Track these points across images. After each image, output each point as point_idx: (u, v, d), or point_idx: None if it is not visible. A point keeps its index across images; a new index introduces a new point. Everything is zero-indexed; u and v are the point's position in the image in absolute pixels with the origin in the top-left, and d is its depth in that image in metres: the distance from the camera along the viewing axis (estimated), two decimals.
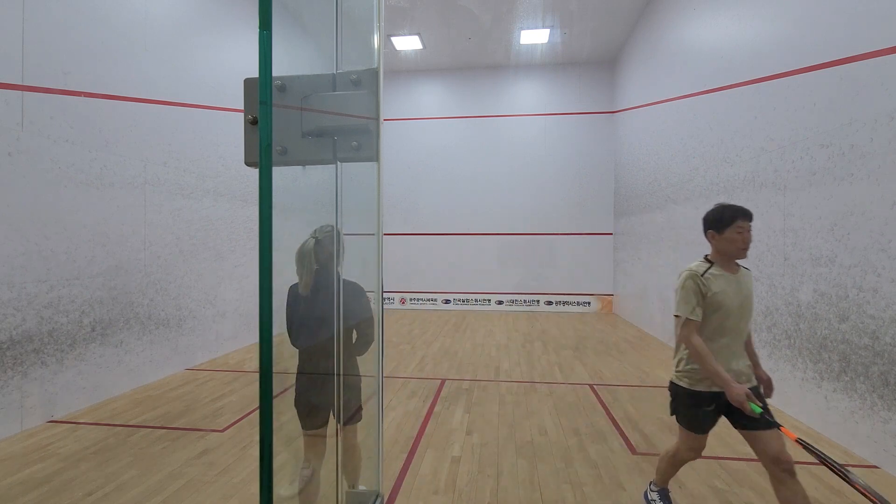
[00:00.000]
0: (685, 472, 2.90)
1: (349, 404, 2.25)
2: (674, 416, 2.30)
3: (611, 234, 10.12)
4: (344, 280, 2.10)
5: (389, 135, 10.63)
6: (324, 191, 1.13)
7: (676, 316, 2.14)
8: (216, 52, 5.83)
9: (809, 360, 3.65)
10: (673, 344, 2.65)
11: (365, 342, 2.28)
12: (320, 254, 2.04)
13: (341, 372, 1.24)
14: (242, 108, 0.85)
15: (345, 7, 1.05)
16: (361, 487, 2.38)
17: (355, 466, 2.35)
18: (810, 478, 2.84)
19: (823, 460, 1.71)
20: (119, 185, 4.35)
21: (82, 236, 3.98)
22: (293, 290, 2.12)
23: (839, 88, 3.39)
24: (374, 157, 0.97)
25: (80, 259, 3.94)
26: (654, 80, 7.51)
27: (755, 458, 3.09)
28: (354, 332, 2.23)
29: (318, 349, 2.06)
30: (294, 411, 3.08)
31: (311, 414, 2.25)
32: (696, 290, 2.10)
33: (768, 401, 2.21)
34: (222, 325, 5.97)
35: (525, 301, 10.25)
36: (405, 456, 3.12)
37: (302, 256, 2.02)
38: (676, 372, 2.25)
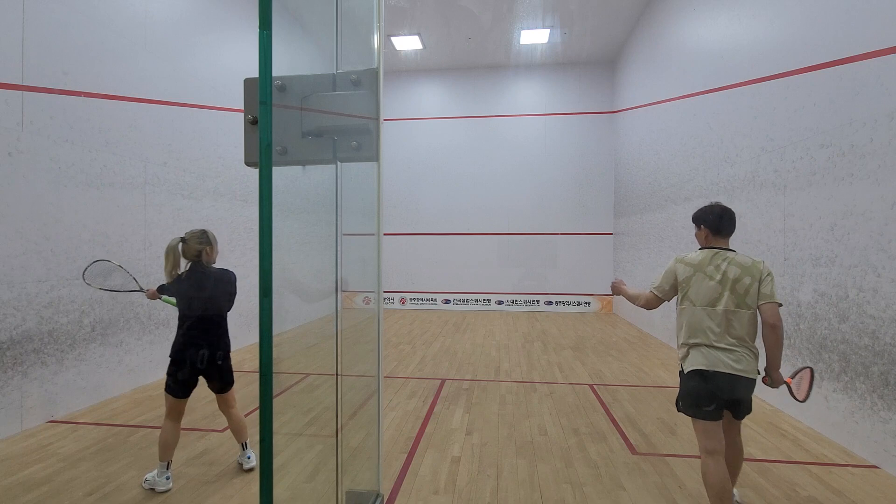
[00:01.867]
0: (685, 472, 2.90)
1: (218, 368, 2.82)
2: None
3: (611, 234, 10.12)
4: (220, 269, 2.79)
5: (389, 135, 10.62)
6: (324, 191, 1.14)
7: (779, 304, 2.22)
8: (216, 52, 5.83)
9: (809, 360, 3.65)
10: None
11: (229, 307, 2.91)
12: (187, 252, 2.66)
13: (339, 372, 1.24)
14: (242, 108, 0.85)
15: (345, 7, 1.05)
16: (248, 455, 2.93)
17: (240, 427, 2.93)
18: (809, 477, 2.84)
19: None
20: (119, 185, 4.35)
21: (82, 236, 3.97)
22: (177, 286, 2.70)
23: (839, 88, 3.39)
24: (374, 157, 0.97)
25: (80, 259, 3.94)
26: (654, 80, 7.51)
27: (755, 458, 3.10)
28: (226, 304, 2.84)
29: (197, 324, 2.70)
30: (294, 410, 3.20)
31: (187, 383, 2.73)
32: None
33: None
34: None
35: (525, 301, 10.25)
36: (405, 456, 3.12)
37: (167, 252, 2.64)
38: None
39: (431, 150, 10.63)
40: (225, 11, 6.01)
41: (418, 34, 8.99)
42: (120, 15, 4.39)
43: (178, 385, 2.68)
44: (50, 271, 3.69)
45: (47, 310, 3.68)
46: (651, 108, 7.62)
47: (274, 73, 0.68)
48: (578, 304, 10.12)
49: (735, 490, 2.47)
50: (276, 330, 0.68)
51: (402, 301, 10.58)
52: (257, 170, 0.69)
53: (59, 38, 3.77)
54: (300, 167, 0.91)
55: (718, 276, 2.22)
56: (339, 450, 1.22)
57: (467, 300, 10.42)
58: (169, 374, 2.70)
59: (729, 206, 2.33)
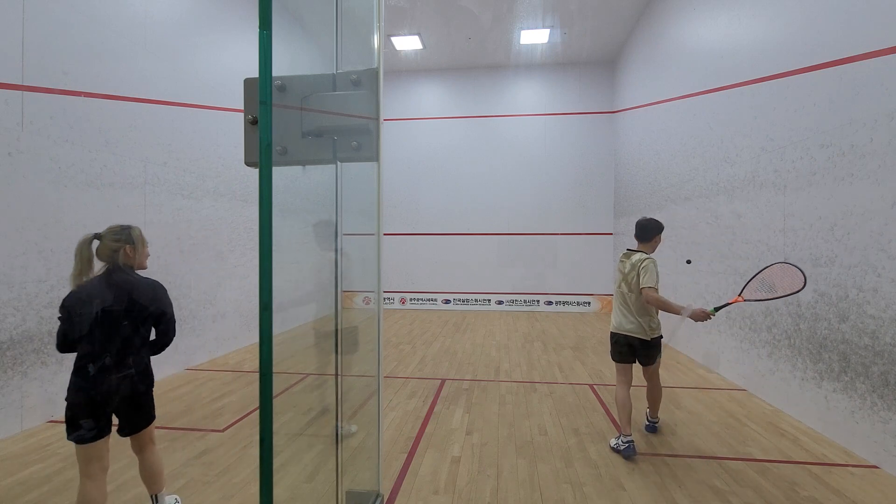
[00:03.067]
0: (685, 471, 2.90)
1: (136, 406, 2.30)
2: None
3: (611, 234, 10.12)
4: (146, 278, 2.15)
5: (389, 135, 10.62)
6: (324, 191, 1.14)
7: (651, 287, 3.08)
8: (216, 52, 5.83)
9: (809, 360, 3.65)
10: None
11: (163, 343, 2.26)
12: (101, 252, 2.08)
13: (339, 372, 1.24)
14: (242, 108, 0.85)
15: (345, 7, 1.05)
16: (167, 499, 2.40)
17: (156, 473, 2.35)
18: (809, 477, 2.84)
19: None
20: (119, 185, 4.35)
21: (83, 236, 3.97)
22: (75, 294, 2.05)
23: (839, 88, 3.39)
24: (374, 157, 0.97)
25: None
26: (654, 80, 7.51)
27: (755, 457, 3.10)
28: (153, 329, 2.24)
29: (111, 347, 2.10)
30: (294, 410, 3.09)
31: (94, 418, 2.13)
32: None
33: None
34: (222, 326, 5.96)
35: (525, 301, 10.25)
36: (405, 456, 3.12)
37: (75, 251, 2.06)
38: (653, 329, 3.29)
39: (431, 150, 10.63)
40: (225, 11, 6.01)
41: (418, 34, 8.99)
42: (120, 15, 4.39)
43: (87, 428, 2.12)
44: (50, 271, 3.69)
45: (47, 310, 3.68)
46: (651, 108, 7.62)
47: (274, 73, 0.68)
48: (578, 304, 10.11)
49: (655, 418, 3.54)
50: (276, 330, 0.68)
51: (402, 301, 10.57)
52: (257, 170, 0.69)
53: (59, 38, 3.77)
54: (300, 167, 0.92)
55: (623, 269, 3.27)
56: (339, 450, 1.22)
57: (467, 300, 10.41)
58: (66, 418, 2.08)
59: (655, 219, 3.30)
